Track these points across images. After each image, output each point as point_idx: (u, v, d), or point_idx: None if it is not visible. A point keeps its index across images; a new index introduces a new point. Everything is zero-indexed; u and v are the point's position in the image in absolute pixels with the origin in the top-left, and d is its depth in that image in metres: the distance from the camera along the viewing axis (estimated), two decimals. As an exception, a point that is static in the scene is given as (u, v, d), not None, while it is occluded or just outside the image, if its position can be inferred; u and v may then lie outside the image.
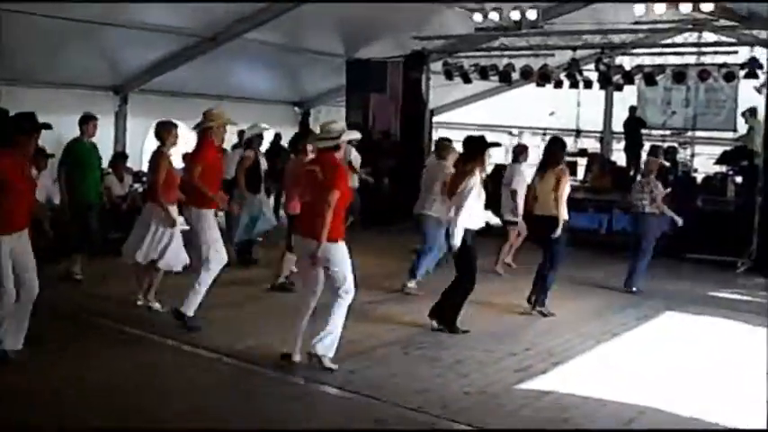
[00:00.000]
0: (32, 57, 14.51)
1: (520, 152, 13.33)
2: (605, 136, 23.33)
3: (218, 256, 9.07)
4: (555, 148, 10.85)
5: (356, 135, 8.86)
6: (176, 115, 17.50)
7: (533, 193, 10.67)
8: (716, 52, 17.38)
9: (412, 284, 11.30)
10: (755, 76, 16.45)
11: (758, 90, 16.72)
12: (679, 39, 17.29)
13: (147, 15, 14.15)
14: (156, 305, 9.74)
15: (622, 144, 21.33)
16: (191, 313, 8.91)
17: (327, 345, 7.65)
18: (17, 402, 6.58)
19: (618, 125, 22.02)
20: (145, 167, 17.49)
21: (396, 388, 7.36)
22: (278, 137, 19.22)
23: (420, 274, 11.31)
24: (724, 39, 17.78)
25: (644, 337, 9.71)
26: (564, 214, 10.25)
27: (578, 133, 22.19)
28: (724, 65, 16.84)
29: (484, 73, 18.50)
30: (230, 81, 18.74)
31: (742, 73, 16.51)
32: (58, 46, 14.46)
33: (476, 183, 9.29)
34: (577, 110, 21.70)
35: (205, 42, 15.92)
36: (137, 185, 15.48)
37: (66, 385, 7.03)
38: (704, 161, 19.54)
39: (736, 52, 16.83)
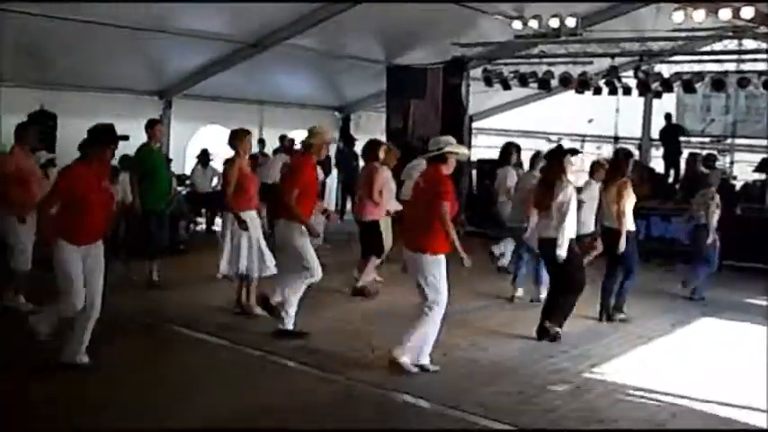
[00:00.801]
0: (79, 62, 14.89)
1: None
2: (644, 143, 23.31)
3: (311, 265, 9.03)
4: (619, 159, 11.01)
5: (463, 150, 8.49)
6: (219, 119, 18.12)
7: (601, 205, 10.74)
8: (755, 59, 17.32)
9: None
10: (796, 84, 16.42)
11: (798, 98, 16.72)
12: (718, 46, 17.22)
13: (191, 22, 14.39)
14: (258, 310, 9.73)
15: (661, 151, 21.32)
16: (290, 327, 8.97)
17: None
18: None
19: (657, 132, 22.02)
20: (188, 171, 17.95)
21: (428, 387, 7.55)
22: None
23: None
24: (764, 45, 17.72)
25: (679, 342, 9.79)
26: (629, 225, 10.33)
27: (617, 140, 22.18)
28: (764, 72, 16.81)
29: (523, 80, 18.57)
30: (272, 86, 19.09)
31: (782, 80, 16.47)
32: (103, 52, 14.74)
33: (572, 191, 9.42)
34: (616, 117, 21.70)
35: (247, 48, 16.16)
36: (180, 189, 15.77)
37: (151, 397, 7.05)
38: (744, 168, 19.49)
39: (775, 60, 16.80)
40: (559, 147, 10.31)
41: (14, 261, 9.63)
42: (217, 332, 9.20)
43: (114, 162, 10.86)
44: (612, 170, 10.83)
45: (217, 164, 16.11)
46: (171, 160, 15.68)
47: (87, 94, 15.87)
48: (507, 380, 7.91)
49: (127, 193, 11.97)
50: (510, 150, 13.54)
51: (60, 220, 7.34)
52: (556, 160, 9.63)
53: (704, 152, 18.59)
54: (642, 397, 7.58)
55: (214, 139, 18.01)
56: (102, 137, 7.41)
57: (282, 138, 18.61)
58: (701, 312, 11.33)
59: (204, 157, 17.61)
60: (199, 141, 18.88)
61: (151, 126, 11.49)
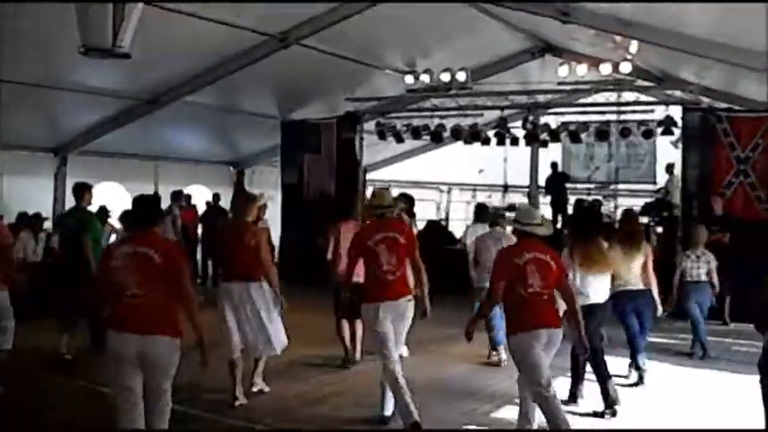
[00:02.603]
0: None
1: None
2: (532, 191, 24.01)
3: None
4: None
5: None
6: (114, 176, 18.02)
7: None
8: (634, 111, 18.12)
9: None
10: (671, 133, 17.22)
11: (674, 145, 17.55)
12: (600, 98, 18.05)
13: (88, 78, 14.30)
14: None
15: (549, 198, 22.06)
16: None
17: None
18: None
19: (544, 180, 22.79)
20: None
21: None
22: (216, 197, 19.57)
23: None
24: (642, 98, 18.62)
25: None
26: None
27: (506, 189, 22.84)
28: (642, 122, 17.62)
29: (416, 132, 18.89)
30: (168, 142, 19.10)
31: (659, 130, 17.31)
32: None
33: None
34: (505, 166, 22.37)
35: (144, 105, 16.22)
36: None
37: None
38: (627, 213, 20.26)
39: (652, 111, 17.59)
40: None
41: None
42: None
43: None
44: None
45: (113, 220, 15.99)
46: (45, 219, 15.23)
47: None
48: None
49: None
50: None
51: None
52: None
53: (590, 198, 19.28)
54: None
55: (110, 196, 17.86)
56: None
57: (175, 194, 18.53)
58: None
59: (103, 213, 17.42)
60: (96, 198, 18.64)
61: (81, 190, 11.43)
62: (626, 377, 9.98)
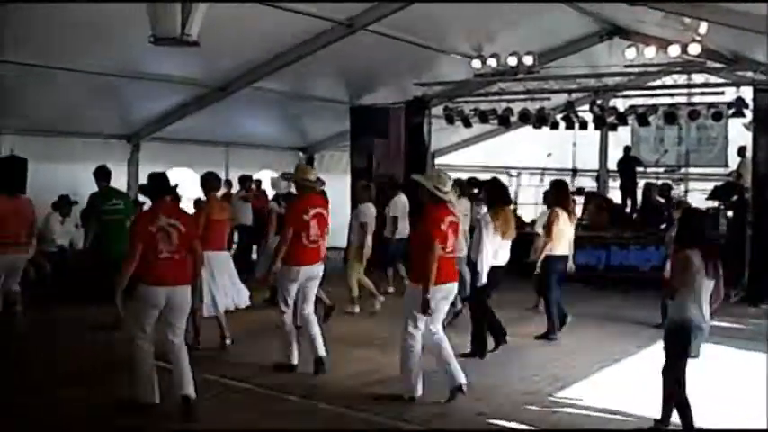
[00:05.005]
0: (51, 108, 15.07)
1: None
2: (601, 174, 23.95)
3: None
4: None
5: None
6: (186, 162, 18.36)
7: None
8: (704, 93, 17.94)
9: None
10: (742, 115, 17.03)
11: (746, 127, 17.33)
12: (669, 80, 17.83)
13: (160, 67, 14.59)
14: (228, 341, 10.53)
15: (618, 182, 21.90)
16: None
17: None
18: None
19: (613, 164, 22.65)
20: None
21: (413, 411, 7.93)
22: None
23: None
24: (712, 79, 18.37)
25: (643, 362, 10.08)
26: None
27: (575, 173, 22.74)
28: (712, 104, 17.43)
29: (483, 117, 19.02)
30: (238, 128, 19.34)
31: (730, 112, 17.07)
32: (73, 97, 14.96)
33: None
34: (573, 150, 22.26)
35: (215, 92, 16.49)
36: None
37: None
38: (697, 197, 20.04)
39: (722, 93, 17.39)
40: None
41: None
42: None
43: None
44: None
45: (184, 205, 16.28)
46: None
47: (57, 139, 16.05)
48: (483, 402, 8.29)
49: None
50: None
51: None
52: None
53: (659, 182, 19.10)
54: (610, 413, 8.03)
55: (182, 182, 18.18)
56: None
57: (242, 178, 18.81)
58: (661, 335, 11.61)
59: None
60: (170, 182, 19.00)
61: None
62: None
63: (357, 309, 13.26)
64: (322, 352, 9.35)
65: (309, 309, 9.54)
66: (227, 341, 10.51)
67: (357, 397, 8.37)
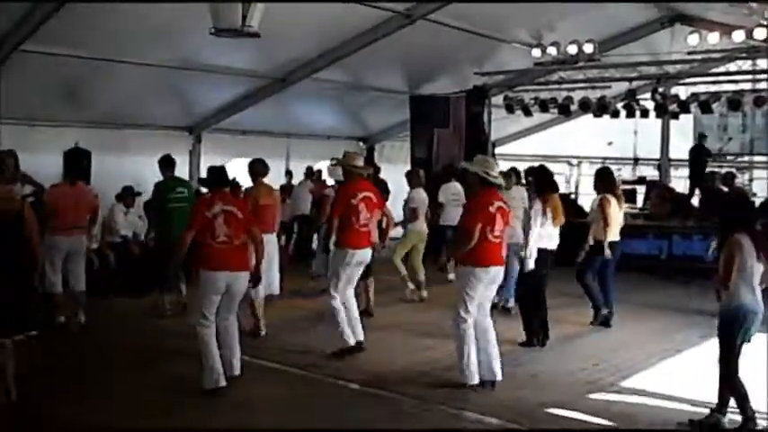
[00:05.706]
0: (115, 101, 15.34)
1: None
2: (663, 163, 23.59)
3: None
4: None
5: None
6: (247, 153, 18.44)
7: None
8: (770, 79, 17.62)
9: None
10: (809, 101, 16.73)
11: (814, 115, 17.01)
12: (733, 67, 17.53)
13: (220, 59, 14.68)
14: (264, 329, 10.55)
15: (680, 171, 21.57)
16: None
17: None
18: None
19: (675, 152, 22.28)
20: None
21: (477, 400, 7.94)
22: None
23: None
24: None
25: (706, 354, 9.95)
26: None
27: (636, 161, 22.49)
28: (778, 91, 17.12)
29: (543, 106, 18.93)
30: (299, 119, 19.44)
31: (797, 98, 16.76)
32: (136, 90, 15.20)
33: None
34: (635, 139, 22.02)
35: (275, 83, 16.59)
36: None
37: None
38: (762, 185, 19.75)
39: (789, 78, 17.07)
40: None
41: None
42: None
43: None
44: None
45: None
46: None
47: (120, 132, 16.31)
48: (545, 392, 8.30)
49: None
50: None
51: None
52: None
53: (723, 170, 18.82)
54: (672, 404, 7.97)
55: (242, 173, 18.33)
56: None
57: (308, 169, 18.93)
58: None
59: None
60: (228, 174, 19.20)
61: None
62: None
63: (411, 293, 13.26)
64: (361, 336, 9.58)
65: (351, 292, 9.69)
66: (262, 332, 10.50)
67: (415, 384, 8.42)
